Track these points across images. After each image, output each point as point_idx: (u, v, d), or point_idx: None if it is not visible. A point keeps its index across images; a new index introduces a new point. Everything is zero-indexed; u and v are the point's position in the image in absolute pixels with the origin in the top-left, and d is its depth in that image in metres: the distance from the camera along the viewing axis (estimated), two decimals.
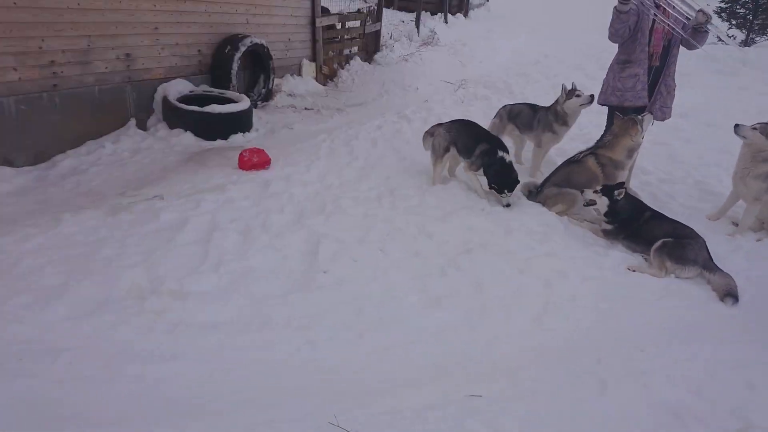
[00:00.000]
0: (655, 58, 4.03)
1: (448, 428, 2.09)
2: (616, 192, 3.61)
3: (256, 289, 2.89)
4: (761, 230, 4.04)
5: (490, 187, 3.99)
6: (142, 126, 5.13)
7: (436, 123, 4.60)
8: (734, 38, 11.86)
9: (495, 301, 3.01)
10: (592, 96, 4.30)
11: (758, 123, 3.89)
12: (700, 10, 3.81)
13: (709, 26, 3.89)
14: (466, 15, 14.57)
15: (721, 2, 12.52)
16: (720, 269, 3.32)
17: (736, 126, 3.90)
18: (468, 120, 4.43)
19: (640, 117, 3.81)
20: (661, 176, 4.93)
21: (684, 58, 8.69)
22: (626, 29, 4.00)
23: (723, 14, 12.45)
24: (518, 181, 3.98)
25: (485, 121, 5.08)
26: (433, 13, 13.14)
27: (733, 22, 12.38)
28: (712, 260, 3.38)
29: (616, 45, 4.20)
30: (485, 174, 4.00)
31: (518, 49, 11.08)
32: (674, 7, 3.81)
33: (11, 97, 4.10)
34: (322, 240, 3.36)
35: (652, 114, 4.02)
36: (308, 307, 2.80)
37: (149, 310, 2.62)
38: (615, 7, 3.91)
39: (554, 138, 4.52)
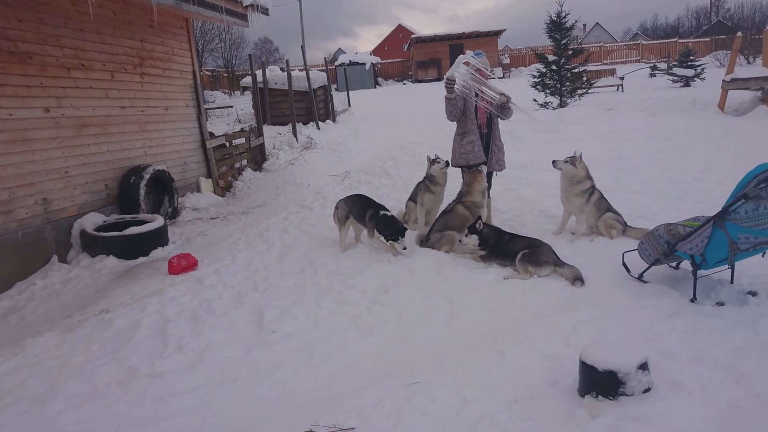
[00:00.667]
0: (482, 127, 5.46)
1: (399, 407, 2.80)
2: (477, 225, 4.75)
3: (220, 356, 3.44)
4: (591, 233, 5.41)
5: (387, 239, 4.90)
6: (63, 260, 5.46)
7: (339, 200, 5.54)
8: (550, 104, 14.76)
9: (414, 320, 3.84)
10: (447, 161, 5.58)
11: (567, 157, 5.38)
12: (502, 94, 5.35)
13: (510, 104, 5.43)
14: (334, 120, 16.37)
15: (533, 78, 15.60)
16: (567, 264, 4.50)
17: (553, 161, 5.37)
18: (361, 194, 5.49)
19: (479, 168, 5.14)
20: (514, 213, 6.27)
21: (516, 125, 10.93)
22: (457, 110, 5.39)
23: (538, 86, 15.46)
24: (405, 229, 4.90)
25: (373, 194, 6.18)
26: (305, 123, 14.68)
27: (547, 91, 15.38)
28: (560, 259, 4.56)
29: (455, 122, 5.58)
30: (378, 230, 4.94)
31: (384, 141, 12.78)
32: (485, 93, 5.30)
33: None
34: (263, 309, 4.00)
35: (486, 167, 5.36)
36: (269, 358, 3.41)
37: (134, 391, 3.06)
38: (445, 96, 5.32)
39: (433, 197, 5.68)
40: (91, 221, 5.68)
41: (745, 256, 3.62)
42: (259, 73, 13.95)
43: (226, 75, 32.26)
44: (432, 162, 5.62)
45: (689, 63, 18.80)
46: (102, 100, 6.33)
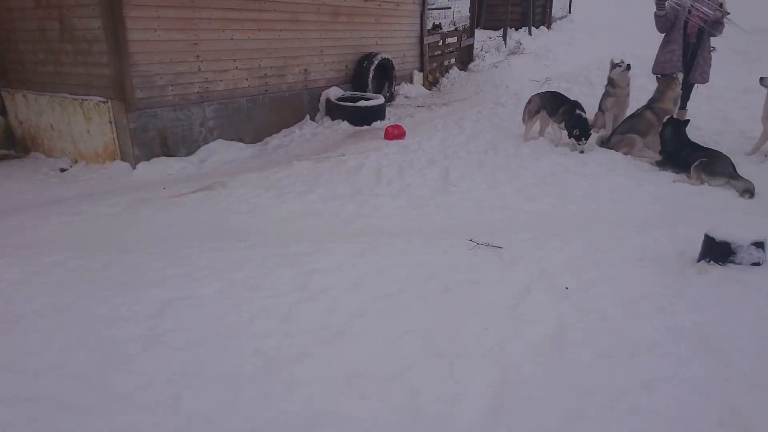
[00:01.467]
0: (691, 36, 5.41)
1: (538, 245, 3.68)
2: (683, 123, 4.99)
3: (415, 193, 4.70)
4: None
5: (570, 137, 5.45)
6: (312, 119, 7.32)
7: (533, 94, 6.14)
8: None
9: (573, 199, 4.56)
10: (628, 65, 5.73)
11: None
12: (719, 8, 5.17)
13: (724, 20, 5.24)
14: (549, 27, 15.95)
15: None
16: (743, 177, 4.60)
17: (761, 78, 5.16)
18: (556, 91, 6.05)
19: (674, 76, 5.23)
20: (712, 131, 6.12)
21: (758, 46, 9.58)
22: (667, 24, 5.44)
23: None
24: (590, 133, 5.41)
25: None
26: (517, 28, 14.71)
27: None
28: (737, 172, 4.66)
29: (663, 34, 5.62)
30: (566, 128, 5.46)
31: (598, 50, 12.30)
32: (698, 9, 5.20)
33: (243, 97, 6.41)
34: (450, 170, 5.12)
35: (683, 76, 5.39)
36: (448, 201, 4.54)
37: (358, 200, 4.52)
38: (654, 13, 5.40)
39: (614, 101, 5.97)
40: (334, 93, 7.39)
41: None
42: None
43: None
44: (612, 66, 5.84)
45: None
46: None
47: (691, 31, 5.41)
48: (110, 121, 5.37)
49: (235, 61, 6.31)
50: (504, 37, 13.05)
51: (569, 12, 17.59)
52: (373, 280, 3.10)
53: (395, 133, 6.26)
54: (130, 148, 5.41)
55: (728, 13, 5.24)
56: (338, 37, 7.67)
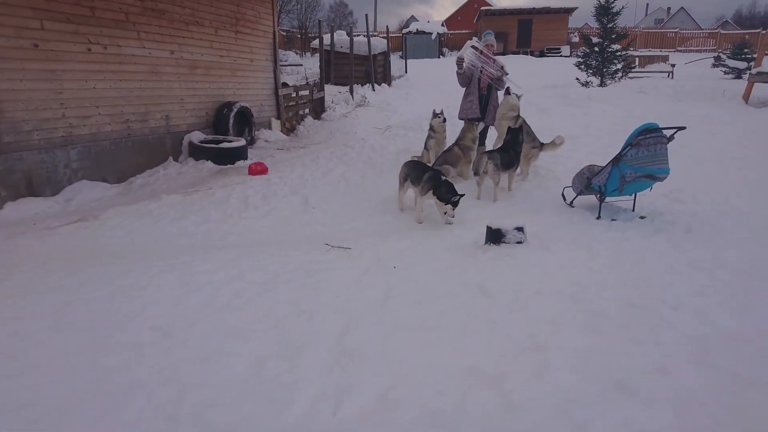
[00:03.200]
0: (483, 89, 7.20)
1: (376, 243, 4.76)
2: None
3: (280, 214, 5.56)
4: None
5: (446, 202, 5.11)
6: (176, 160, 7.81)
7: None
8: (591, 83, 15.89)
9: (408, 213, 5.78)
10: (444, 118, 7.42)
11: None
12: (500, 69, 7.05)
13: (504, 78, 7.13)
14: (389, 84, 18.19)
15: (578, 57, 16.70)
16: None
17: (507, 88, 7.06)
18: (417, 161, 6.19)
19: (473, 121, 6.94)
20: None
21: (545, 99, 12.34)
22: (466, 80, 7.18)
23: (582, 65, 16.56)
24: (458, 200, 5.17)
25: (406, 145, 8.09)
26: (363, 84, 16.60)
27: (590, 71, 16.45)
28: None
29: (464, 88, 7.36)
30: (435, 193, 5.17)
31: (429, 102, 14.50)
32: (486, 69, 7.03)
33: (106, 141, 6.74)
34: (309, 197, 6.09)
35: (482, 122, 7.14)
36: (307, 219, 5.47)
37: (230, 222, 5.23)
38: (456, 71, 7.12)
39: (434, 141, 7.55)
40: (196, 136, 7.98)
41: (632, 188, 5.27)
42: (327, 36, 15.92)
43: (299, 36, 34.52)
44: (434, 115, 7.49)
45: (743, 55, 19.01)
46: (208, 49, 8.56)
47: (483, 85, 7.20)
48: None
49: (98, 107, 6.67)
50: (351, 92, 14.70)
51: (406, 72, 20.19)
52: (248, 274, 3.86)
53: (258, 169, 7.07)
54: None
55: (507, 74, 7.12)
56: (197, 87, 8.37)
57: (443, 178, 5.33)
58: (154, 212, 5.49)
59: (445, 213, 5.25)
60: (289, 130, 11.10)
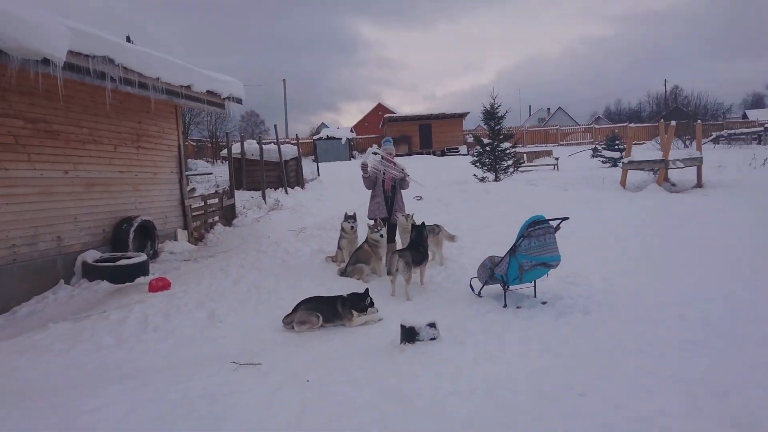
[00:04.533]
0: (388, 191, 7.57)
1: (290, 352, 4.57)
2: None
3: (184, 332, 5.19)
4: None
5: (360, 312, 5.40)
6: (67, 283, 7.18)
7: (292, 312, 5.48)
8: (487, 178, 17.24)
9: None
10: (353, 221, 7.69)
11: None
12: (401, 171, 7.52)
13: (408, 178, 7.60)
14: (302, 187, 18.56)
15: (473, 156, 18.22)
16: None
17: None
18: (309, 298, 5.62)
19: (377, 222, 7.19)
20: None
21: (448, 194, 13.14)
22: (371, 183, 7.54)
23: (477, 163, 18.00)
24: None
25: (320, 246, 8.13)
26: (275, 189, 16.80)
27: (485, 168, 17.89)
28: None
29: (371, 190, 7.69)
30: (354, 308, 5.39)
31: (342, 203, 14.88)
32: (389, 171, 7.46)
33: None
34: (216, 310, 5.79)
35: (386, 219, 7.43)
36: (214, 335, 5.16)
37: (126, 348, 4.79)
38: (362, 175, 7.48)
39: (346, 241, 7.70)
40: (91, 255, 7.46)
41: (530, 275, 5.59)
42: (237, 145, 16.20)
43: (210, 145, 34.80)
44: (345, 218, 7.72)
45: (616, 146, 21.80)
46: (106, 166, 8.32)
47: (387, 187, 7.57)
48: None
49: None
50: (263, 197, 14.77)
51: (318, 174, 20.81)
52: (141, 408, 3.48)
53: (159, 285, 6.68)
54: None
55: (407, 174, 7.58)
56: (94, 204, 8.00)
57: (348, 295, 5.59)
58: (38, 344, 4.92)
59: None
60: (197, 239, 10.77)
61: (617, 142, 22.34)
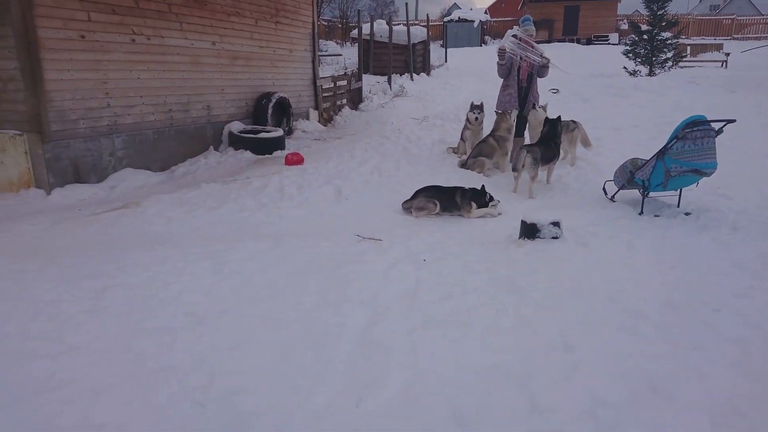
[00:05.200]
0: (523, 81, 7.02)
1: (409, 234, 4.74)
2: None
3: (313, 205, 5.61)
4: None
5: (480, 206, 5.39)
6: (216, 149, 8.00)
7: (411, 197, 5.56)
8: (639, 72, 15.26)
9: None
10: (479, 109, 7.27)
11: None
12: (542, 56, 6.84)
13: (549, 65, 6.91)
14: (428, 74, 18.00)
15: (626, 45, 16.07)
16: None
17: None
18: (429, 186, 5.63)
19: (508, 111, 6.77)
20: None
21: (588, 89, 11.93)
22: (506, 71, 7.01)
23: (630, 54, 15.90)
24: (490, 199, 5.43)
25: (442, 136, 8.04)
26: (401, 74, 16.49)
27: (639, 60, 15.79)
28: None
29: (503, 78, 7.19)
30: (475, 202, 5.37)
31: (470, 93, 14.29)
32: (529, 57, 6.83)
33: (150, 130, 6.97)
34: (342, 188, 6.10)
35: (516, 110, 6.94)
36: (340, 211, 5.50)
37: (264, 211, 5.32)
38: (497, 61, 6.95)
39: (470, 132, 7.44)
40: (236, 126, 8.14)
41: (677, 183, 5.04)
42: (366, 26, 15.88)
43: (340, 26, 34.58)
44: (472, 108, 7.38)
45: None
46: (248, 40, 8.69)
47: (522, 76, 7.01)
48: (26, 152, 5.71)
49: (141, 97, 6.90)
50: (389, 82, 14.63)
51: (446, 61, 19.93)
52: (280, 264, 3.92)
53: (294, 160, 7.15)
54: (45, 176, 5.76)
55: (548, 59, 6.91)
56: (237, 77, 8.52)
57: (465, 188, 5.54)
58: (192, 200, 5.64)
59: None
60: (326, 120, 11.17)
61: None
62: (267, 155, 7.84)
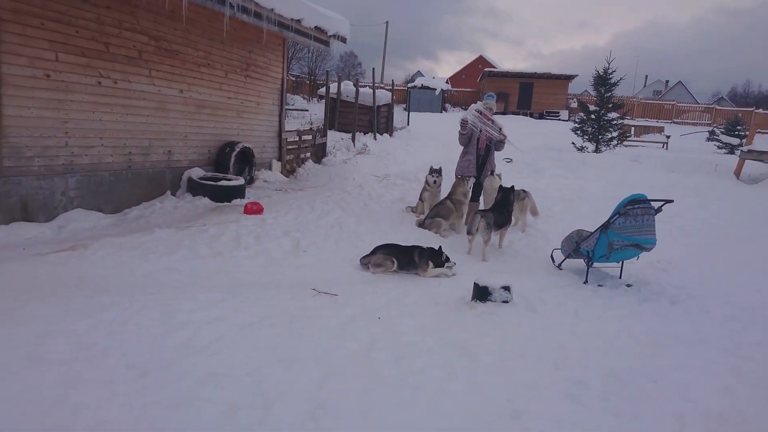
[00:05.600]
0: (481, 150, 7.40)
1: (365, 291, 4.76)
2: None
3: (271, 255, 5.57)
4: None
5: (437, 266, 5.53)
6: (173, 195, 7.88)
7: (370, 253, 5.65)
8: (586, 148, 16.28)
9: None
10: (438, 173, 7.60)
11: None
12: (500, 132, 7.29)
13: (506, 140, 7.37)
14: (391, 135, 18.61)
15: (575, 123, 17.21)
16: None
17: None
18: (385, 244, 5.78)
19: (465, 178, 7.09)
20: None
21: (540, 161, 12.61)
22: (466, 140, 7.39)
23: (578, 131, 17.01)
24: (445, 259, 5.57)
25: (402, 195, 8.22)
26: (365, 133, 16.98)
27: (586, 137, 16.89)
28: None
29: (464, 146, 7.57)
30: (432, 261, 5.52)
31: (430, 155, 14.81)
32: (488, 131, 7.26)
33: (106, 171, 6.83)
34: (301, 240, 6.11)
35: (475, 177, 7.29)
36: (297, 263, 5.49)
37: (219, 260, 5.23)
38: (459, 130, 7.34)
39: (429, 194, 7.70)
40: (196, 173, 8.09)
41: (619, 255, 5.34)
42: (334, 85, 16.42)
43: (308, 82, 35.54)
44: (431, 171, 7.69)
45: (736, 132, 19.62)
46: (216, 90, 8.82)
47: (481, 146, 7.40)
48: None
49: (101, 138, 6.81)
50: (353, 140, 15.01)
51: (408, 124, 20.70)
52: (232, 316, 3.83)
53: (254, 209, 7.13)
54: None
55: (506, 137, 7.35)
56: (202, 125, 8.57)
57: (423, 247, 5.69)
58: (144, 245, 5.49)
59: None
60: (289, 172, 11.26)
61: (738, 127, 20.03)
62: (226, 203, 7.79)
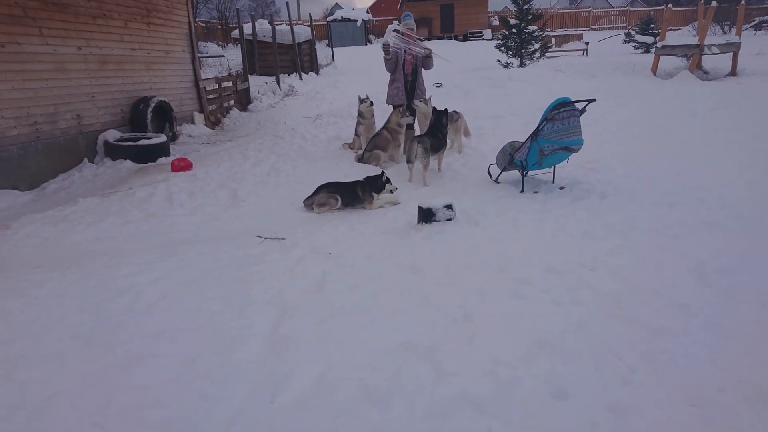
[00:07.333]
0: (408, 75, 7.28)
1: (313, 230, 4.73)
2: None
3: (208, 210, 5.38)
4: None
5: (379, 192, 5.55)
6: (91, 161, 7.35)
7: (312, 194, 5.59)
8: (511, 64, 16.44)
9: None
10: (371, 101, 7.45)
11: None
12: (425, 48, 7.14)
13: (432, 55, 7.23)
14: (317, 73, 17.96)
15: (498, 40, 17.24)
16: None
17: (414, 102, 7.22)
18: (328, 183, 5.68)
19: (400, 107, 7.01)
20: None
21: (468, 81, 12.64)
22: (393, 65, 7.21)
23: (502, 47, 17.06)
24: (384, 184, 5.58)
25: (337, 133, 8.04)
26: (289, 74, 16.28)
27: (510, 53, 16.99)
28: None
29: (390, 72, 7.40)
30: (374, 191, 5.54)
31: (360, 90, 14.47)
32: (412, 50, 7.08)
33: (13, 145, 6.24)
34: (238, 190, 5.93)
35: (406, 105, 7.22)
36: (237, 214, 5.35)
37: (153, 222, 5.01)
38: (383, 57, 7.13)
39: (364, 127, 7.58)
40: (112, 135, 7.54)
41: (550, 160, 5.54)
42: (248, 26, 15.45)
43: (220, 27, 33.23)
44: (360, 101, 7.51)
45: (650, 31, 20.33)
46: (118, 43, 8.08)
47: (407, 70, 7.27)
48: None
49: (0, 110, 6.14)
50: (278, 82, 14.39)
51: (333, 60, 20.00)
52: (175, 274, 3.72)
53: (182, 165, 6.80)
54: None
55: (430, 50, 7.21)
56: (109, 83, 7.90)
57: (365, 178, 5.64)
58: (69, 217, 5.16)
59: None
60: (214, 123, 10.73)
61: (652, 26, 20.76)
62: (150, 163, 7.36)
